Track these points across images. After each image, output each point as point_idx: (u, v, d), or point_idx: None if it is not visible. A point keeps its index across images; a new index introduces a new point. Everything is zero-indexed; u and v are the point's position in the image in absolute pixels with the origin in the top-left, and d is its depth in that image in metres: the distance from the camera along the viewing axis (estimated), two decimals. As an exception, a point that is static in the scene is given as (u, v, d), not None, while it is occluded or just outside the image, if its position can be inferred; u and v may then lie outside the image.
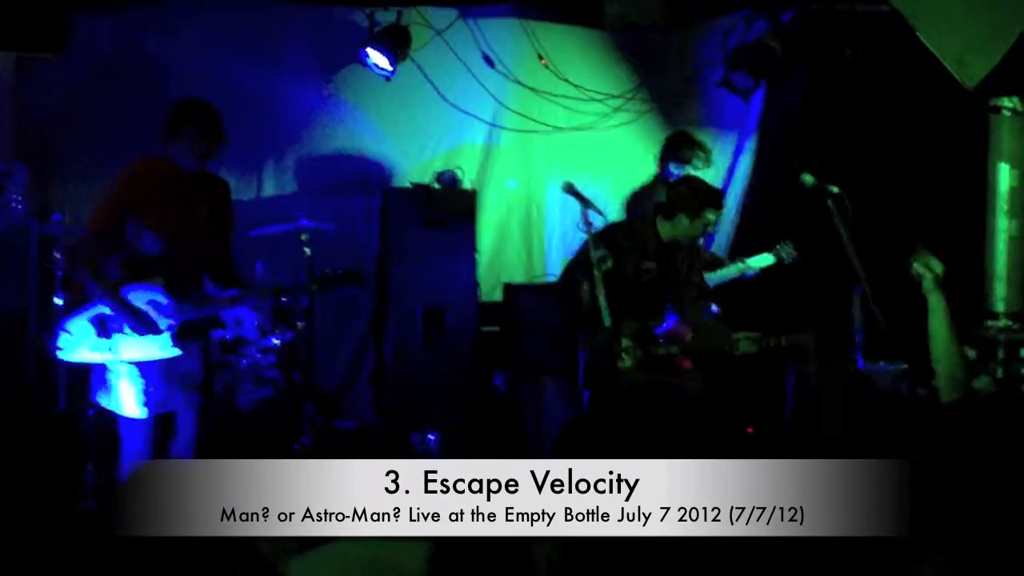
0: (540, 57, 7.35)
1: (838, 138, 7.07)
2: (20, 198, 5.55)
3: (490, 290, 7.12)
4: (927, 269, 3.71)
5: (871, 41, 6.83)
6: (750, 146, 7.77)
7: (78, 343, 4.50)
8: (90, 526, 4.31)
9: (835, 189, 5.41)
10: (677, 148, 6.37)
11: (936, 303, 3.61)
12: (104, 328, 4.48)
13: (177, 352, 4.59)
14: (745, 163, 7.78)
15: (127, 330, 4.48)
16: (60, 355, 4.52)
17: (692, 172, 6.18)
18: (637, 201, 6.23)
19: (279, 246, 6.15)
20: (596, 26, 7.54)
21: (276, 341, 6.06)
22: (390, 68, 6.81)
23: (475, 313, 6.86)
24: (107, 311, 4.48)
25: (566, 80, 7.42)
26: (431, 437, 6.24)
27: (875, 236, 5.38)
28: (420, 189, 6.92)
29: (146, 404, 4.51)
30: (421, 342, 6.65)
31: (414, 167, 7.15)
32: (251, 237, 6.06)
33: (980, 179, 6.47)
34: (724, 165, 7.75)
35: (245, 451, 5.73)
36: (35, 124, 6.26)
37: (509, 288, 6.88)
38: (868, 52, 6.90)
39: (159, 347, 4.56)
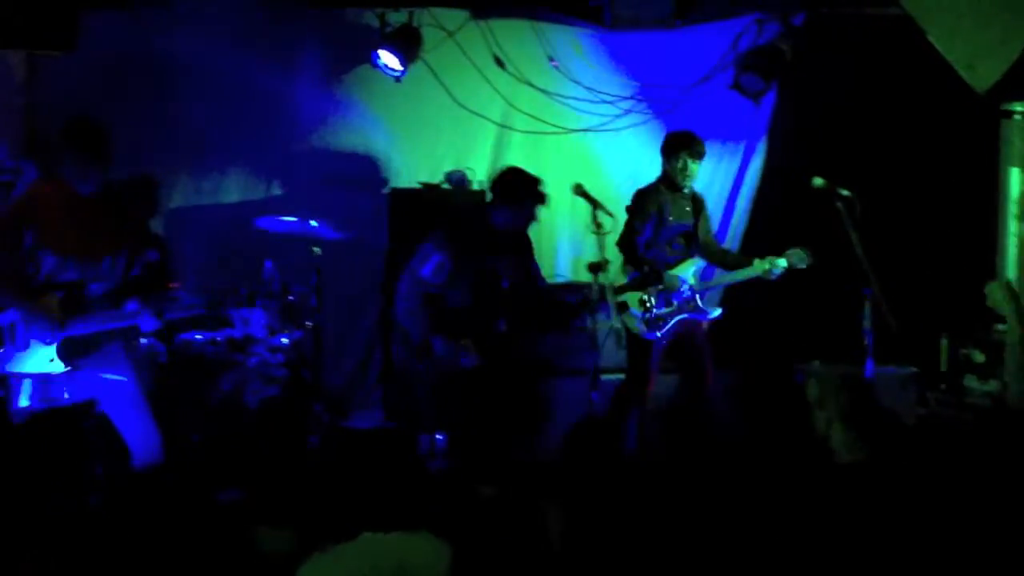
0: (550, 59, 7.35)
1: (848, 141, 7.06)
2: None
3: (499, 291, 7.10)
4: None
5: (881, 44, 6.81)
6: (760, 148, 7.75)
7: None
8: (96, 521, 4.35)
9: (845, 192, 5.41)
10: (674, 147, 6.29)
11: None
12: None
13: (60, 368, 4.67)
14: (755, 166, 7.75)
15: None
16: None
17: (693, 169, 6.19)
18: (639, 201, 6.20)
19: (288, 246, 6.16)
20: (606, 27, 7.53)
21: (284, 340, 6.07)
22: (401, 69, 6.82)
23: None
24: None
25: (576, 82, 7.42)
26: (439, 438, 6.23)
27: (885, 239, 5.38)
28: (430, 189, 6.92)
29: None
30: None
31: (423, 168, 7.15)
32: (261, 235, 6.07)
33: (991, 183, 6.46)
34: (734, 168, 7.73)
35: (254, 450, 5.74)
36: (45, 122, 6.27)
37: (517, 289, 6.86)
38: (878, 55, 6.88)
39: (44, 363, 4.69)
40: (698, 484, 3.40)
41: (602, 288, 5.33)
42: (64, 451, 4.82)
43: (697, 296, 6.16)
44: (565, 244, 7.54)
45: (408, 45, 6.80)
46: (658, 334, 6.08)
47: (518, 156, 7.45)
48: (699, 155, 6.19)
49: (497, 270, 5.77)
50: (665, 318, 6.10)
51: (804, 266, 6.07)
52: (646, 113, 7.62)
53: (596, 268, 5.37)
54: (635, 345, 6.02)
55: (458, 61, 7.15)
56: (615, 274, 7.06)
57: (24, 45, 6.00)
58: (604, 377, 5.59)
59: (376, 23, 6.86)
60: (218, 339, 5.98)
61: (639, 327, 6.06)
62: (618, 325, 5.47)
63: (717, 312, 6.24)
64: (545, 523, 3.04)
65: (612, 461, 3.30)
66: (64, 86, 6.23)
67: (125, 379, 4.82)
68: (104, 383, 4.79)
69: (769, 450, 4.37)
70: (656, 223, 6.17)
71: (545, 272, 7.35)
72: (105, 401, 4.79)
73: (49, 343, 4.67)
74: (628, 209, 6.21)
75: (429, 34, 6.93)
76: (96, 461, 5.27)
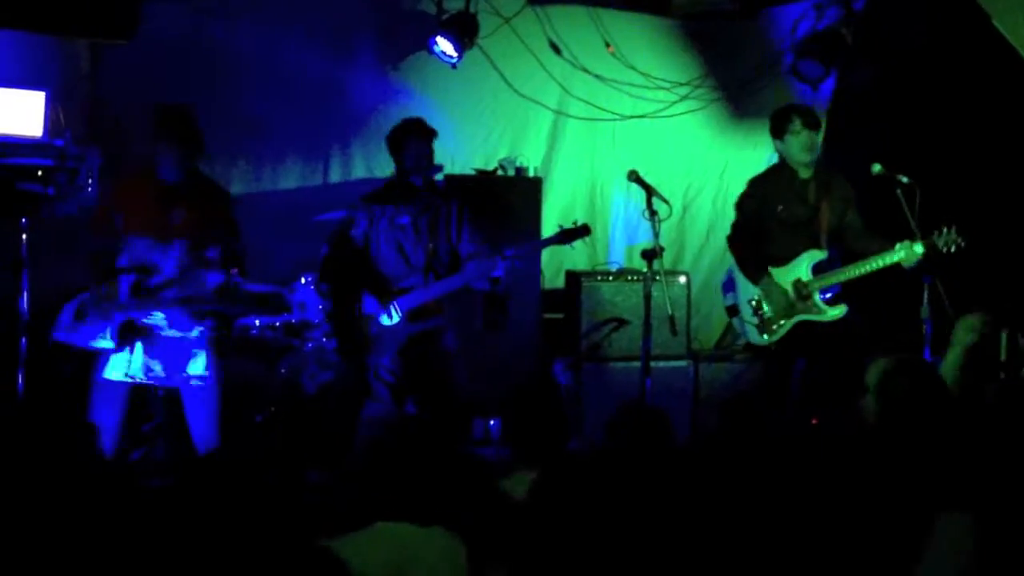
0: (607, 44, 7.32)
1: (909, 127, 6.95)
2: (93, 182, 5.69)
3: (553, 277, 7.12)
4: None
5: (943, 29, 6.69)
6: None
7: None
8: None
9: (904, 179, 5.34)
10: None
11: None
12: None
13: (111, 344, 4.86)
14: (813, 153, 7.68)
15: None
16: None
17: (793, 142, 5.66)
18: (756, 185, 5.84)
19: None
20: (663, 13, 7.48)
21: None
22: (457, 55, 6.84)
23: (537, 300, 6.86)
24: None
25: (633, 68, 7.38)
26: (492, 423, 6.27)
27: (944, 226, 5.30)
28: (485, 176, 6.94)
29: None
30: (483, 328, 6.67)
31: (479, 154, 7.17)
32: (317, 222, 6.13)
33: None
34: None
35: (312, 433, 5.82)
36: (108, 109, 6.38)
37: (571, 275, 6.87)
38: (939, 40, 6.76)
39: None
40: (744, 474, 3.38)
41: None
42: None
43: (816, 295, 5.57)
44: (619, 231, 7.52)
45: (464, 31, 6.81)
46: (766, 338, 5.66)
47: (573, 142, 7.47)
48: (816, 124, 5.71)
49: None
50: (775, 320, 5.63)
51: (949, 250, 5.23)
52: (703, 100, 7.57)
53: (650, 255, 5.35)
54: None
55: (514, 47, 7.15)
56: (670, 261, 7.08)
57: (88, 34, 6.10)
58: (655, 364, 5.57)
59: (432, 9, 6.88)
60: (276, 324, 6.06)
61: (748, 330, 5.74)
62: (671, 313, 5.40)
63: (839, 311, 5.57)
64: (579, 513, 3.05)
65: (660, 449, 3.29)
66: (126, 74, 6.32)
67: (206, 375, 4.98)
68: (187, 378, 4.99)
69: (822, 439, 4.33)
70: (768, 212, 5.72)
71: (599, 258, 7.38)
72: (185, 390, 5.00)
73: (108, 324, 4.81)
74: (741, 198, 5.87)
75: (485, 20, 6.94)
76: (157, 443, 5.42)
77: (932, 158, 6.26)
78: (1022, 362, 6.01)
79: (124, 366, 4.93)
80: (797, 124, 5.60)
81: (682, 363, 6.58)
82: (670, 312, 5.41)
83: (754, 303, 5.66)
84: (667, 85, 7.48)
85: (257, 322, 6.07)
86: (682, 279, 6.74)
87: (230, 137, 6.64)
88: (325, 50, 6.81)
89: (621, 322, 6.56)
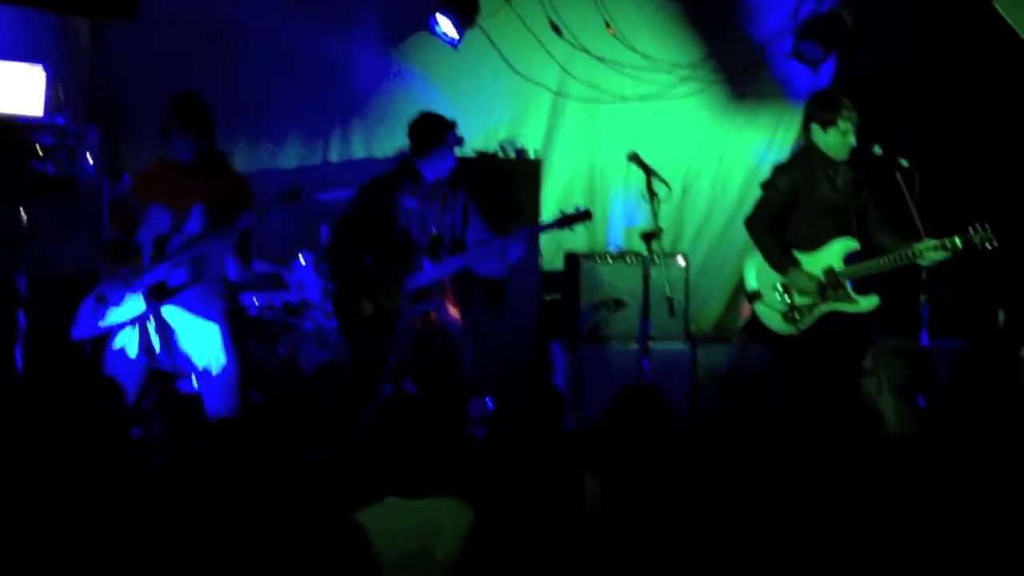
0: (608, 26, 7.31)
1: (908, 109, 6.95)
2: (92, 158, 5.70)
3: (551, 258, 7.12)
4: None
5: (944, 11, 6.68)
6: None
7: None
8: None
9: (904, 162, 5.32)
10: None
11: None
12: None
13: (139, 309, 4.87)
14: (813, 135, 7.69)
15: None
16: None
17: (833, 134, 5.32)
18: (785, 168, 5.48)
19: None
20: (665, -5, 7.48)
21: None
22: (457, 36, 6.83)
23: (537, 281, 6.87)
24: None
25: (633, 49, 7.38)
26: (488, 402, 6.28)
27: (944, 210, 5.30)
28: (484, 157, 6.94)
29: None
30: (482, 309, 6.67)
31: (479, 135, 7.16)
32: (318, 201, 6.13)
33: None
34: (791, 136, 7.67)
35: (308, 413, 5.82)
36: (109, 88, 6.37)
37: (570, 256, 6.88)
38: (940, 22, 6.75)
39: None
40: (742, 455, 3.40)
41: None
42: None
43: (848, 284, 5.23)
44: (619, 213, 7.52)
45: (466, 11, 6.80)
46: (791, 327, 5.30)
47: (573, 124, 7.46)
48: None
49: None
50: (803, 309, 5.28)
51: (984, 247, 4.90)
52: (703, 81, 7.57)
53: (649, 237, 5.35)
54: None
55: (515, 27, 7.15)
56: (669, 243, 7.08)
57: (89, 12, 6.10)
58: (653, 345, 5.58)
59: (434, -10, 6.86)
60: (275, 303, 6.07)
61: (770, 318, 5.40)
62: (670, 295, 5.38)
63: (871, 302, 5.21)
64: (580, 491, 3.08)
65: (658, 430, 3.31)
66: (127, 53, 6.32)
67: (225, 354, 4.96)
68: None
69: (821, 421, 4.35)
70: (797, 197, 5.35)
71: (598, 240, 7.39)
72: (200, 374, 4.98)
73: (136, 290, 4.84)
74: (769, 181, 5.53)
75: (487, 1, 6.93)
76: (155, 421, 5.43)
77: (932, 143, 6.25)
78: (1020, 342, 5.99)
79: (135, 345, 4.92)
80: (846, 111, 5.28)
81: (680, 345, 6.59)
82: (668, 294, 5.40)
83: (780, 290, 5.33)
84: (667, 67, 7.47)
85: (256, 301, 6.08)
86: (681, 261, 6.74)
87: (230, 115, 6.60)
88: (326, 29, 6.79)
89: (619, 304, 6.56)
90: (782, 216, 5.35)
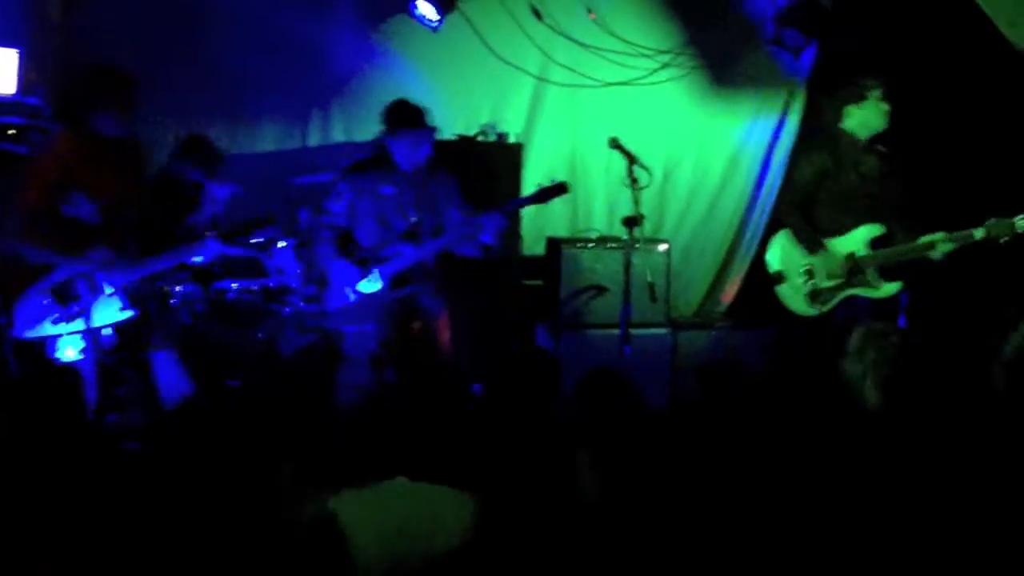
0: (589, 11, 7.27)
1: (889, 96, 6.95)
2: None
3: (532, 243, 7.10)
4: None
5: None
6: (798, 104, 7.68)
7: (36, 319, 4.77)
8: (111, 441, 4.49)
9: (882, 148, 5.34)
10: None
11: None
12: (65, 297, 4.74)
13: (130, 314, 4.84)
14: (793, 121, 7.70)
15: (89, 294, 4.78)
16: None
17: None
18: (811, 152, 5.61)
19: (323, 195, 6.16)
20: (646, -21, 7.45)
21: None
22: (437, 19, 6.78)
23: (516, 266, 6.85)
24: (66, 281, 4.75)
25: (614, 34, 7.34)
26: (475, 388, 6.25)
27: (925, 194, 5.32)
28: (465, 141, 6.90)
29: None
30: (462, 293, 6.64)
31: (460, 119, 7.12)
32: (295, 185, 6.08)
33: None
34: (772, 123, 7.69)
35: (288, 398, 5.79)
36: (79, 61, 6.28)
37: (552, 242, 6.86)
38: (920, 10, 6.74)
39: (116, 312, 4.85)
40: (724, 436, 3.40)
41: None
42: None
43: (873, 270, 5.35)
44: (600, 198, 7.51)
45: (445, -6, 6.76)
46: (815, 309, 5.44)
47: (554, 109, 7.43)
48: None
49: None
50: (829, 291, 5.42)
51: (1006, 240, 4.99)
52: (685, 67, 7.55)
53: (631, 223, 5.34)
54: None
55: (495, 12, 7.10)
56: (650, 229, 7.06)
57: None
58: (634, 331, 5.57)
59: (414, -28, 6.81)
60: (253, 288, 6.03)
61: (794, 300, 5.50)
62: (651, 280, 5.38)
63: (894, 287, 5.35)
64: (574, 474, 3.06)
65: (633, 413, 3.30)
66: (98, 28, 6.22)
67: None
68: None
69: (802, 401, 4.35)
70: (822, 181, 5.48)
71: (579, 225, 7.38)
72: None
73: (113, 294, 4.78)
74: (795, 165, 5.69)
75: (467, -16, 6.90)
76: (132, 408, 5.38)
77: (913, 127, 6.25)
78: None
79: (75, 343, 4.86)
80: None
81: (661, 330, 6.58)
82: (650, 280, 5.40)
83: (806, 273, 5.46)
84: (649, 52, 7.44)
85: (234, 286, 6.03)
86: (662, 247, 6.73)
87: (206, 97, 6.57)
88: (305, 10, 6.72)
89: (600, 289, 6.54)
90: (808, 201, 5.45)
